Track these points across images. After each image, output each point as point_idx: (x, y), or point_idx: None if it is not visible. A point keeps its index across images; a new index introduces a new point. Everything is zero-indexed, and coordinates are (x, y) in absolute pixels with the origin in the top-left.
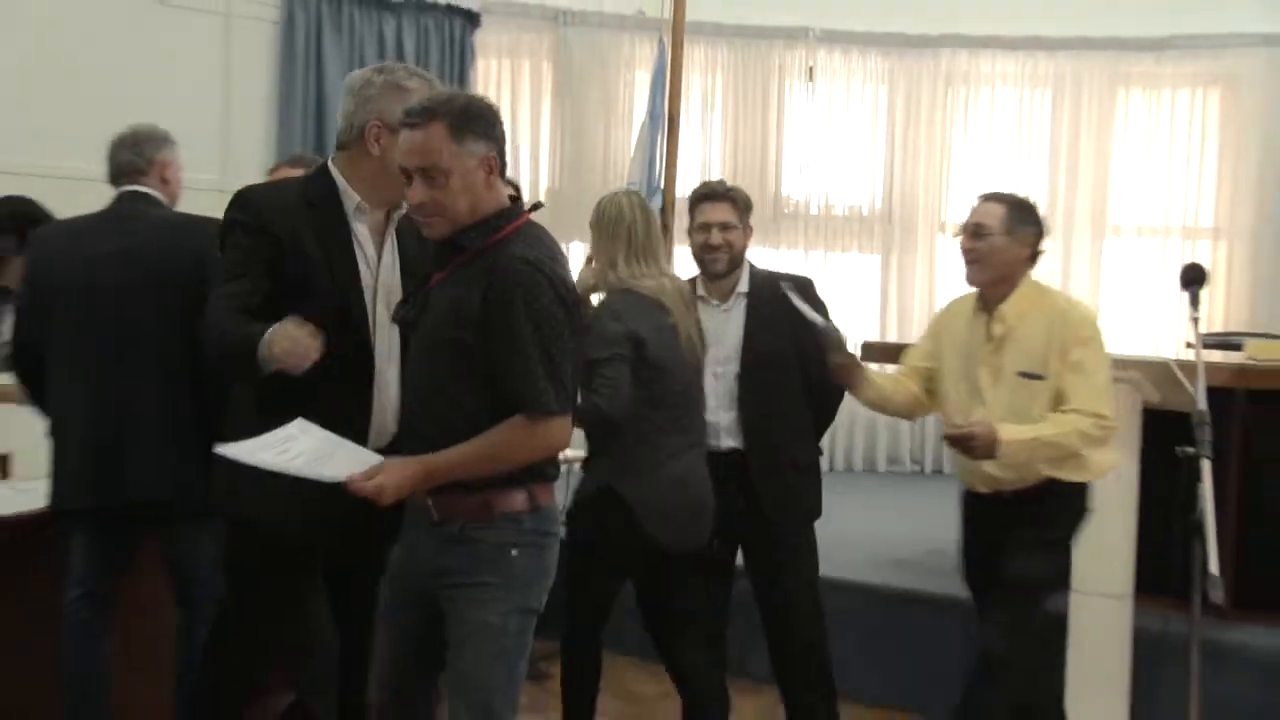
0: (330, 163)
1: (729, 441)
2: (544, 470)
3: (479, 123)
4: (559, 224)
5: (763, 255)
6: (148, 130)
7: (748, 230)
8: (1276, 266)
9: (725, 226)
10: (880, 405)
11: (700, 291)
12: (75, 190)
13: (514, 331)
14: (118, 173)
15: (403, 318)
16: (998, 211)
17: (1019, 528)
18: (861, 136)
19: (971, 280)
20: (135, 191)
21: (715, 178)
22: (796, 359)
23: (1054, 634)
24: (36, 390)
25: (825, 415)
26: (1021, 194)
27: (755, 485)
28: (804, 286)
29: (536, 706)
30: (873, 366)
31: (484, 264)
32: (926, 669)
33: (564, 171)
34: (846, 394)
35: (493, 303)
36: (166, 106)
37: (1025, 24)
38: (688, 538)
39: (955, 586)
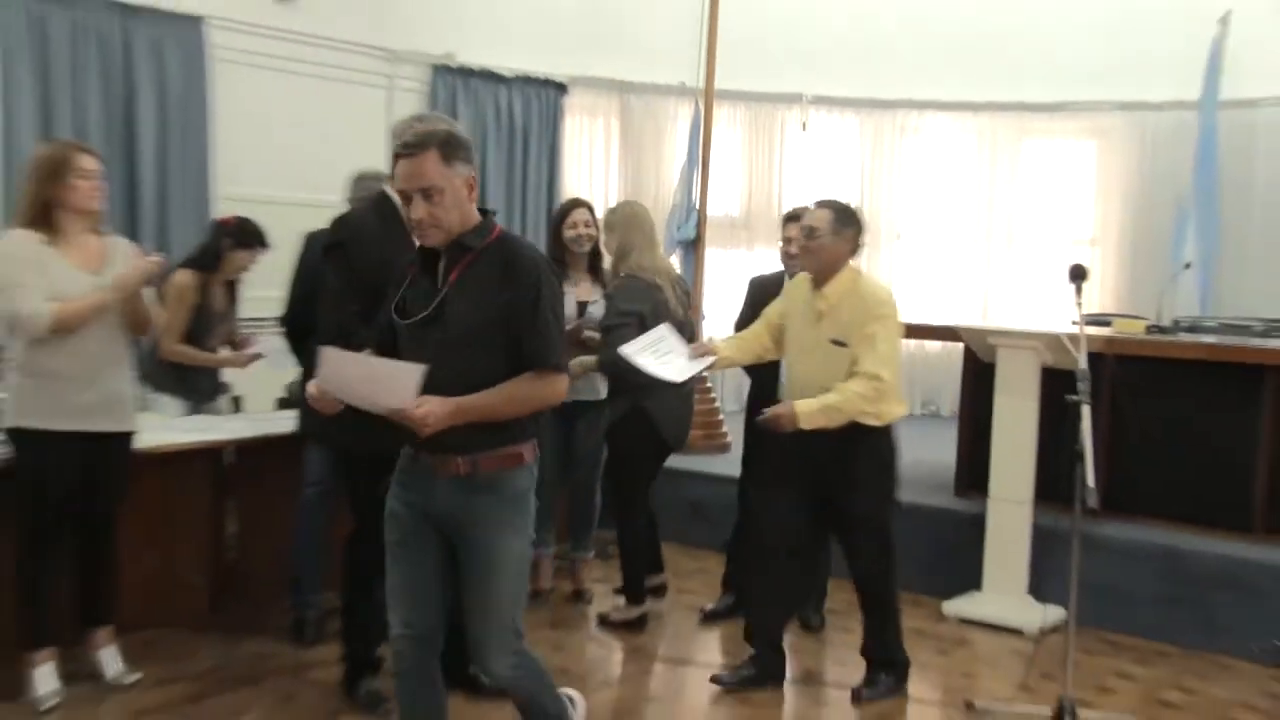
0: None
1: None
2: (536, 431)
3: (462, 149)
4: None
5: (770, 258)
6: (376, 170)
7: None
8: (1134, 266)
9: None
10: (730, 365)
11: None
12: (281, 213)
13: (536, 306)
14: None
15: (426, 316)
16: (826, 216)
17: (845, 463)
18: (841, 171)
19: (804, 269)
20: None
21: (736, 205)
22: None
23: (891, 546)
24: (299, 349)
25: None
26: (844, 201)
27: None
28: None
29: (608, 579)
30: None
31: (494, 258)
32: (921, 557)
33: (627, 196)
34: None
35: (519, 285)
36: (344, 152)
37: (957, 91)
38: (681, 436)
39: (937, 500)
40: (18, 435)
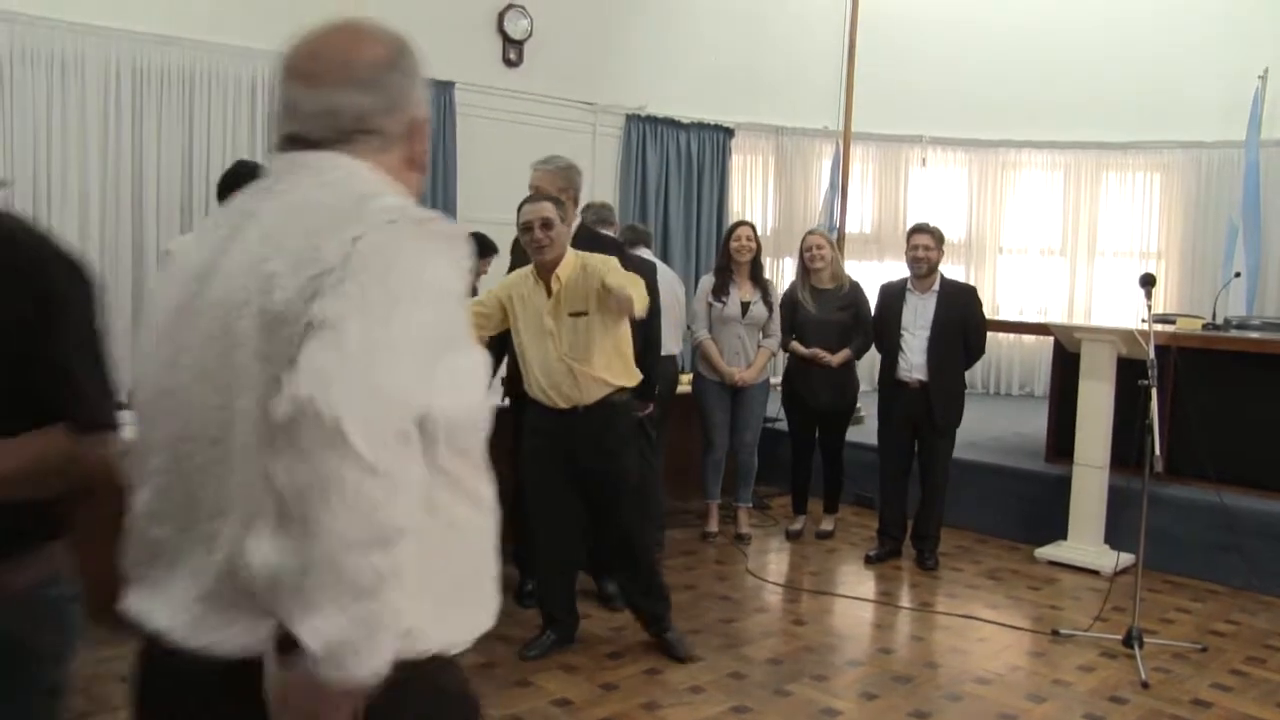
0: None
1: (918, 376)
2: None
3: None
4: (780, 245)
5: (900, 268)
6: (603, 202)
7: (940, 251)
8: (1193, 275)
9: (926, 248)
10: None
11: (910, 287)
12: (510, 231)
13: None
14: (596, 220)
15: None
16: (551, 208)
17: (602, 433)
18: (952, 198)
19: (545, 260)
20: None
21: (868, 224)
22: (961, 330)
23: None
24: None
25: (971, 361)
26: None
27: (931, 401)
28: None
29: (763, 524)
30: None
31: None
32: (1017, 512)
33: (781, 216)
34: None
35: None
36: None
37: (1047, 133)
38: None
39: (1031, 465)
40: None
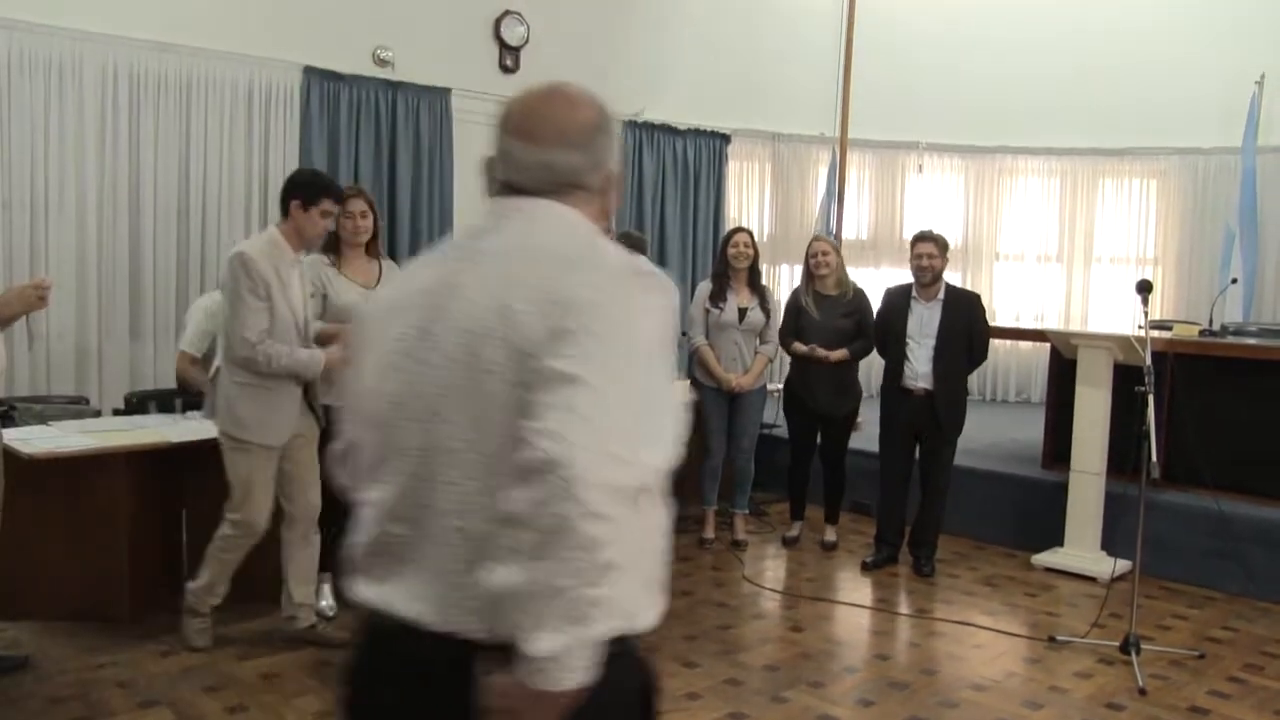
0: None
1: (924, 384)
2: None
3: None
4: (777, 252)
5: (896, 274)
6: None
7: (944, 259)
8: (1190, 281)
9: (930, 256)
10: None
11: (914, 295)
12: None
13: None
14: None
15: None
16: None
17: None
18: (949, 205)
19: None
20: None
21: (865, 231)
22: (966, 337)
23: None
24: None
25: (973, 367)
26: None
27: (936, 409)
28: None
29: (760, 530)
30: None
31: None
32: (1013, 518)
33: (778, 223)
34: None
35: None
36: None
37: (1044, 139)
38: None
39: (1028, 471)
40: None
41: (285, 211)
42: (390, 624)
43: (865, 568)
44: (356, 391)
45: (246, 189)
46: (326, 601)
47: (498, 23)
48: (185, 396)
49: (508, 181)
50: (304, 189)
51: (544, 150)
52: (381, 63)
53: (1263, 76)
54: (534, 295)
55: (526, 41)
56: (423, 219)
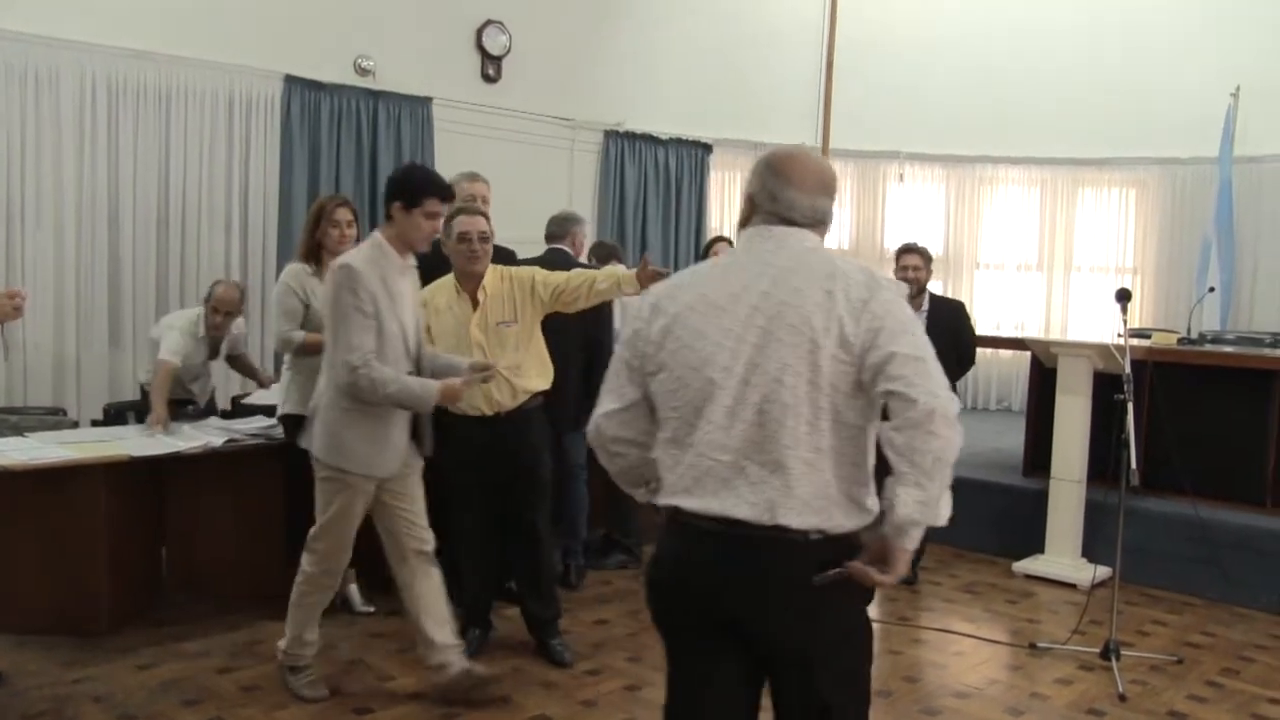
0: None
1: None
2: None
3: None
4: None
5: None
6: (567, 213)
7: (929, 271)
8: (1168, 289)
9: (916, 268)
10: None
11: None
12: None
13: None
14: (549, 237)
15: None
16: (486, 221)
17: (528, 435)
18: (931, 214)
19: (478, 271)
20: (560, 249)
21: (847, 242)
22: (953, 346)
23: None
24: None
25: (961, 374)
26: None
27: None
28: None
29: None
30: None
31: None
32: (994, 525)
33: None
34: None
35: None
36: (534, 199)
37: (1025, 149)
38: None
39: (1008, 479)
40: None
41: (387, 215)
42: (712, 524)
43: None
44: (688, 362)
45: (226, 199)
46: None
47: (479, 32)
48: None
49: (782, 216)
50: (405, 189)
51: (813, 195)
52: (363, 72)
53: (1238, 89)
54: (837, 289)
55: (508, 51)
56: None
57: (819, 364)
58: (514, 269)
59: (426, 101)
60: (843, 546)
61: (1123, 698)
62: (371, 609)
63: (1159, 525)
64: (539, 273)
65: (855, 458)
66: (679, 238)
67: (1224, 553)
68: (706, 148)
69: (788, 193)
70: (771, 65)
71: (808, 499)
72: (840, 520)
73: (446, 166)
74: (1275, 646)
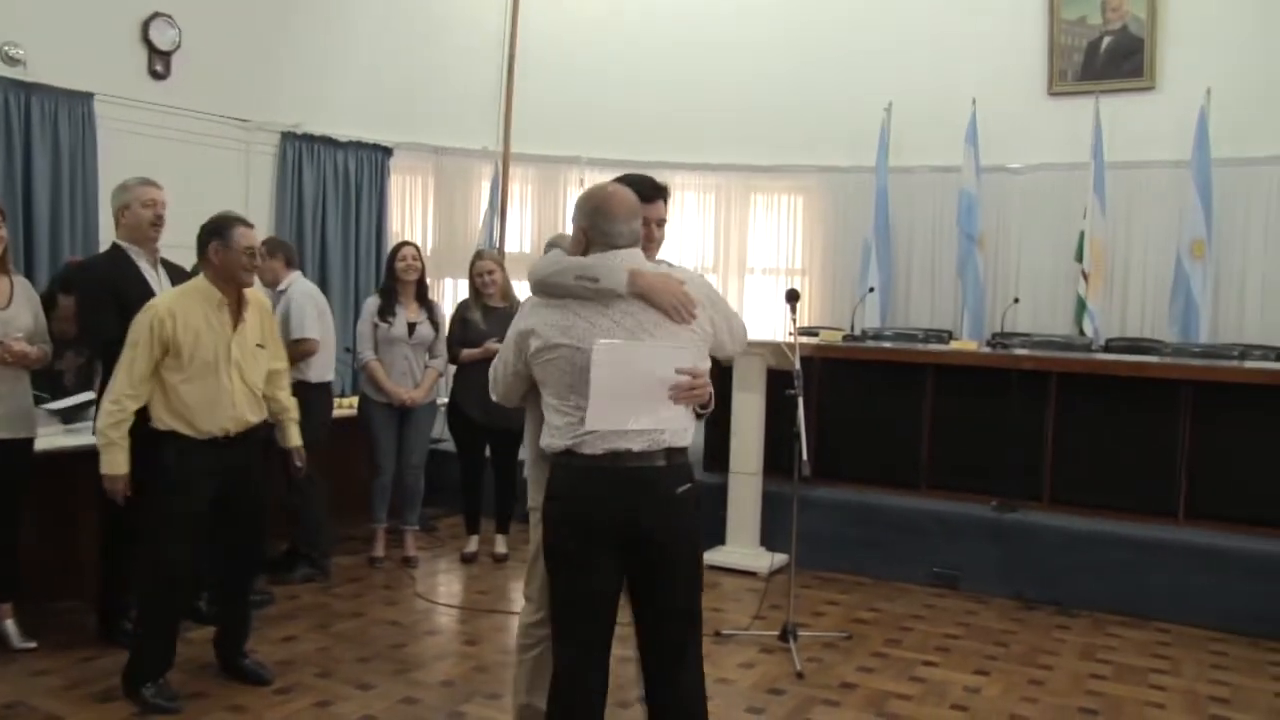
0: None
1: None
2: None
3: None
4: (441, 265)
5: None
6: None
7: None
8: (834, 289)
9: None
10: None
11: None
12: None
13: None
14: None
15: None
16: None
17: (251, 457)
18: None
19: (249, 285)
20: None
21: (528, 244)
22: None
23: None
24: None
25: None
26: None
27: None
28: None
29: (431, 546)
30: None
31: None
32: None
33: (441, 237)
34: None
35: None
36: (209, 205)
37: (700, 155)
38: None
39: None
40: None
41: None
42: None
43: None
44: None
45: None
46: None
47: (146, 25)
48: None
49: (611, 244)
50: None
51: (631, 222)
52: (11, 61)
53: (890, 105)
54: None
55: (178, 46)
56: (64, 232)
57: None
58: (257, 293)
59: (88, 97)
60: None
61: (800, 675)
62: (33, 644)
63: (830, 512)
64: (271, 319)
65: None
66: (359, 242)
67: (886, 534)
68: (387, 151)
69: (615, 225)
70: (453, 69)
71: None
72: None
73: (112, 168)
74: (930, 615)
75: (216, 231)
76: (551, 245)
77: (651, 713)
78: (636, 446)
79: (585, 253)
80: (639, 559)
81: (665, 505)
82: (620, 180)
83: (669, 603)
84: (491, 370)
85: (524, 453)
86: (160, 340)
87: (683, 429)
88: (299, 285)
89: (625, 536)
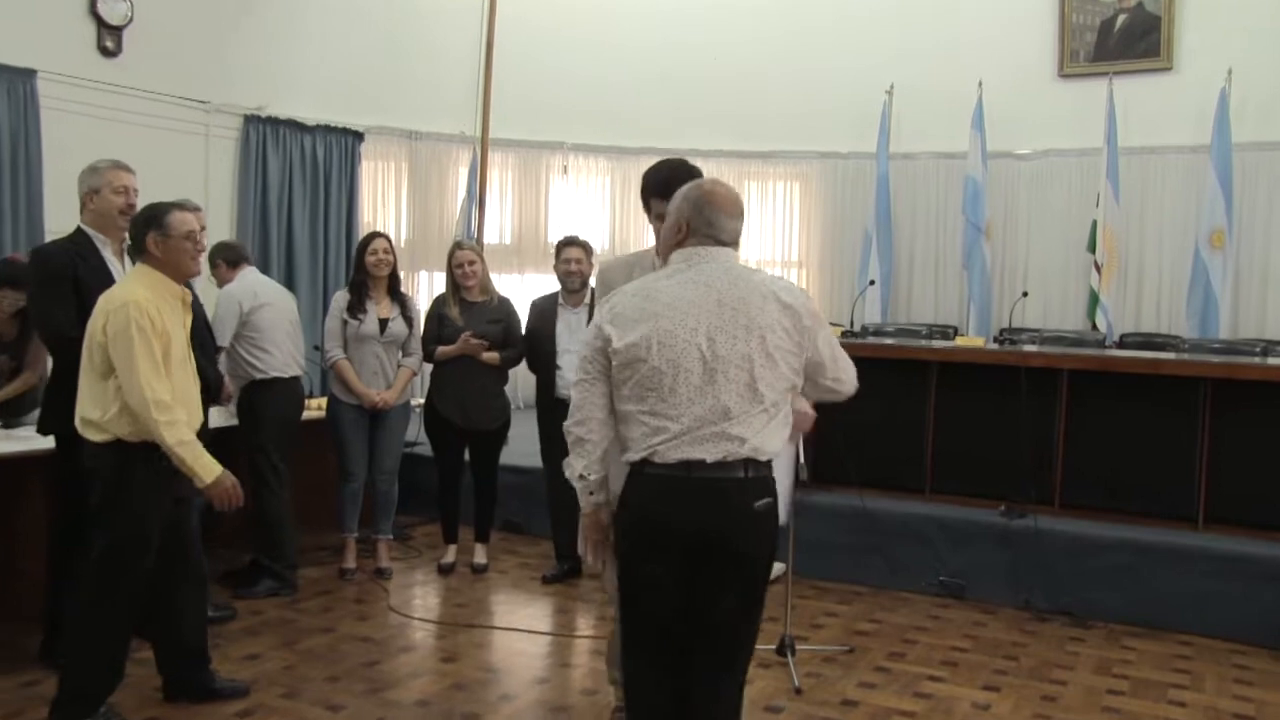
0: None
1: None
2: None
3: None
4: (415, 258)
5: (541, 279)
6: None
7: (591, 264)
8: (832, 282)
9: (578, 261)
10: None
11: (561, 301)
12: None
13: None
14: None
15: None
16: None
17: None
18: (594, 207)
19: (193, 275)
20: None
21: (508, 235)
22: None
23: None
24: None
25: None
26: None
27: None
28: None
29: (404, 556)
30: None
31: None
32: None
33: (416, 227)
34: None
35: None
36: (166, 192)
37: (691, 140)
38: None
39: None
40: None
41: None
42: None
43: (546, 580)
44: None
45: None
46: None
47: None
48: None
49: (716, 239)
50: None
51: (739, 221)
52: None
53: (892, 87)
54: (771, 290)
55: (130, 21)
56: (5, 222)
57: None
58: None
59: (30, 74)
60: None
61: (799, 691)
62: None
63: (829, 518)
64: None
65: None
66: (329, 233)
67: (887, 541)
68: (358, 136)
69: (720, 217)
70: (428, 50)
71: None
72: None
73: (57, 151)
74: (934, 627)
75: (150, 221)
76: (605, 280)
77: None
78: (711, 457)
79: (682, 243)
80: (706, 573)
81: (741, 519)
82: (662, 165)
83: (719, 620)
84: None
85: (506, 457)
86: (158, 334)
87: (766, 444)
88: (233, 284)
89: (693, 548)
